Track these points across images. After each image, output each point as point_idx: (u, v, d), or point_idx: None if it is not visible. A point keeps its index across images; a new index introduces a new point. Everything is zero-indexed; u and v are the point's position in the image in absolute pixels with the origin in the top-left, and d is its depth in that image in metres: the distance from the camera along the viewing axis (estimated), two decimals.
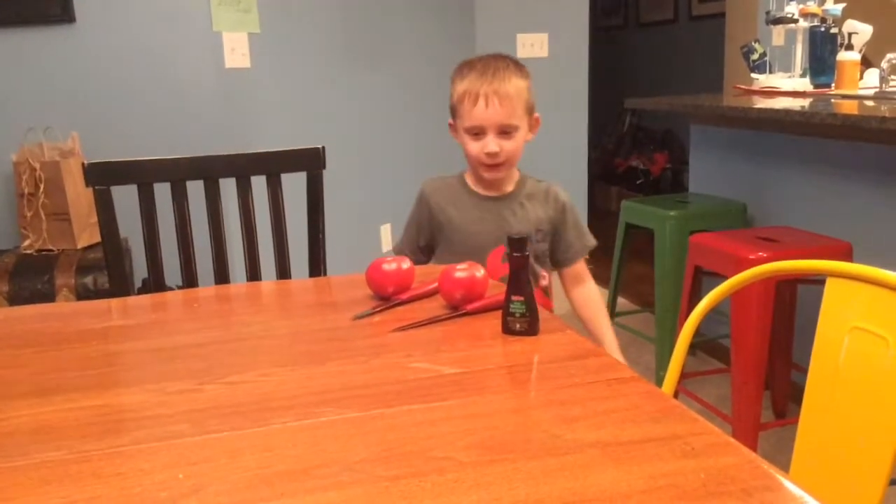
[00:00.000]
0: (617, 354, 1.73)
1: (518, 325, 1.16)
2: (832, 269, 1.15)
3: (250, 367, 1.08)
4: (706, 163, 3.27)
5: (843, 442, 1.10)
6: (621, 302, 3.60)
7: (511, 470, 0.80)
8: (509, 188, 1.81)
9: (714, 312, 1.32)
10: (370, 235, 3.98)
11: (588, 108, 4.49)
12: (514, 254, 1.16)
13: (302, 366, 1.09)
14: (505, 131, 1.69)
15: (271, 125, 3.38)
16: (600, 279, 4.17)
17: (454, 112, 1.77)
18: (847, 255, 2.34)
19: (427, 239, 1.87)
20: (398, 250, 1.88)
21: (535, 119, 1.76)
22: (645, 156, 6.36)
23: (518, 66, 1.72)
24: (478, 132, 1.71)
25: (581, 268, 1.86)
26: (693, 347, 3.19)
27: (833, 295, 1.15)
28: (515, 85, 1.67)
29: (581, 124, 4.46)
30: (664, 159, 6.27)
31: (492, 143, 1.69)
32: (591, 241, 1.86)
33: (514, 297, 1.16)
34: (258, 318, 1.35)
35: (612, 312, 3.14)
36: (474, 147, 1.72)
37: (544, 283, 1.82)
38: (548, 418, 0.92)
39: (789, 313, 2.53)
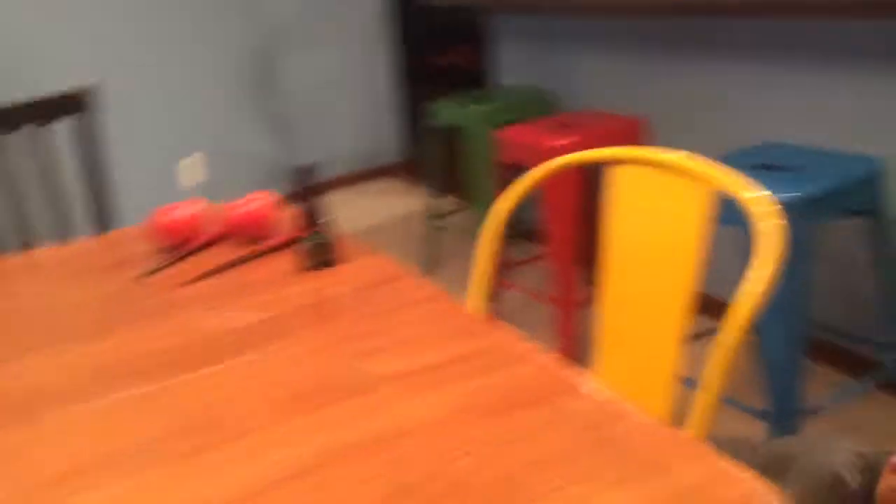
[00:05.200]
0: None
1: (316, 259, 1.11)
2: (614, 157, 1.18)
3: (14, 353, 0.97)
4: (508, 53, 3.29)
5: (640, 326, 1.15)
6: (443, 202, 3.62)
7: (315, 419, 0.77)
8: None
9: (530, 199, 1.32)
10: (171, 172, 3.74)
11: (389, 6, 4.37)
12: (304, 184, 1.10)
13: (79, 341, 1.00)
14: None
15: (46, 56, 3.04)
16: (419, 182, 4.14)
17: None
18: (646, 131, 2.44)
19: None
20: None
21: None
22: (454, 51, 6.33)
23: None
24: None
25: None
26: (515, 237, 3.29)
27: (618, 180, 1.18)
28: None
29: (378, 29, 4.35)
30: (473, 53, 6.27)
31: None
32: None
33: (308, 230, 1.11)
34: (28, 291, 1.22)
35: (431, 214, 3.16)
36: None
37: None
38: (352, 354, 0.89)
39: (598, 192, 2.64)
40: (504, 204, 1.29)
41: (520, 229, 3.28)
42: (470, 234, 3.24)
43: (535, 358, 0.82)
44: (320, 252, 1.11)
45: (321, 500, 0.65)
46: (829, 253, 2.03)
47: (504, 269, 2.65)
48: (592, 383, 0.77)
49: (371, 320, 0.96)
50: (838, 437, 1.18)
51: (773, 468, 1.12)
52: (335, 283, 1.08)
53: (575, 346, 2.27)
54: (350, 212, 3.97)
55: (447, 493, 0.65)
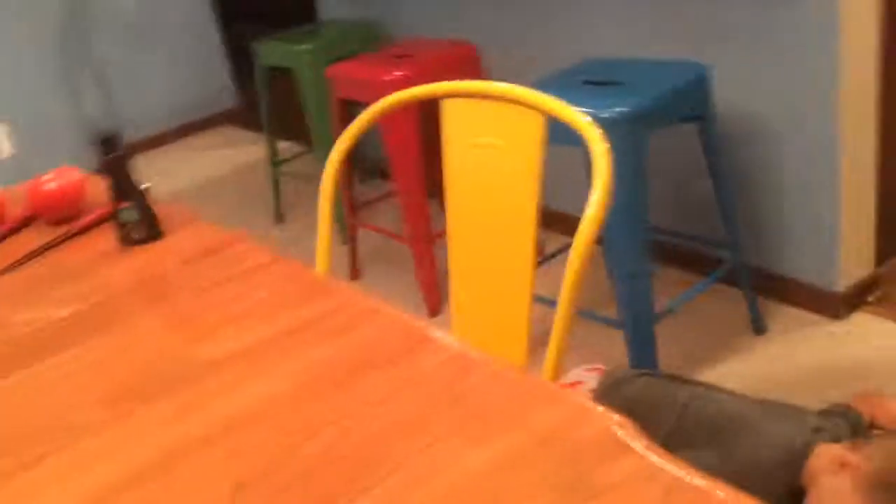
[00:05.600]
0: None
1: (136, 234, 1.01)
2: (446, 90, 1.14)
3: None
4: None
5: (487, 256, 1.13)
6: (285, 147, 3.47)
7: (150, 416, 0.69)
8: None
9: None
10: None
11: None
12: (106, 155, 0.99)
13: None
14: None
15: None
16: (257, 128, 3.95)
17: None
18: (475, 57, 2.41)
19: None
20: None
21: None
22: None
23: None
24: None
25: None
26: (366, 176, 3.21)
27: (450, 113, 1.14)
28: None
29: None
30: None
31: None
32: None
33: (121, 205, 1.00)
34: None
35: (274, 161, 3.02)
36: None
37: None
38: (183, 339, 0.81)
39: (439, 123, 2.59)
40: (341, 145, 1.23)
41: (370, 167, 3.21)
42: (316, 178, 3.13)
43: (381, 315, 0.77)
44: (138, 226, 1.01)
45: None
46: (666, 160, 2.09)
47: (357, 209, 2.59)
48: (443, 335, 0.74)
49: (203, 296, 0.89)
50: (796, 407, 1.22)
51: (719, 427, 1.15)
52: (160, 259, 0.99)
53: (436, 281, 2.26)
54: (185, 167, 3.75)
55: (299, 479, 0.60)
